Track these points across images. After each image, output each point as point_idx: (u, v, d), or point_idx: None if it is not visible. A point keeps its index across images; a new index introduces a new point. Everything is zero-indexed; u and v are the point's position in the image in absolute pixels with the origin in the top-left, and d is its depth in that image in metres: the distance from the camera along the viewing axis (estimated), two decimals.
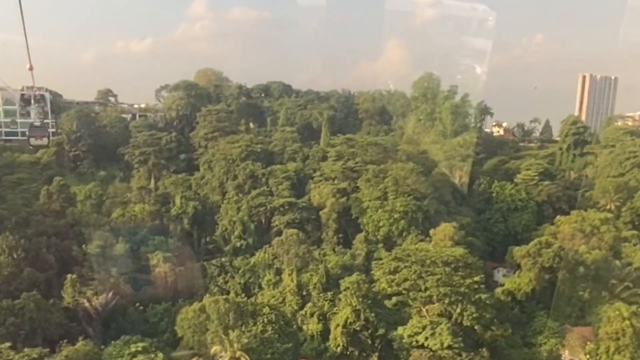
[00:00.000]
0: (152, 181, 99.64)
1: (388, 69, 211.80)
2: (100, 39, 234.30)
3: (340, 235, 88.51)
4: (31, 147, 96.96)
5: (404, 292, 73.46)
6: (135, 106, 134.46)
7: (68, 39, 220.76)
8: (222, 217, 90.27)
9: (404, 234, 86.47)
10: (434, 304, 71.16)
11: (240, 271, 78.94)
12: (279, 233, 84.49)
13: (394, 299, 73.40)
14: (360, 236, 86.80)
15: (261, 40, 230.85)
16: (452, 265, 73.20)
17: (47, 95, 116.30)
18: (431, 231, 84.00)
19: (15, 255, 72.39)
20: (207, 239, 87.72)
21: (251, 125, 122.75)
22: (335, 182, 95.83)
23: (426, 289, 71.53)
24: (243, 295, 75.40)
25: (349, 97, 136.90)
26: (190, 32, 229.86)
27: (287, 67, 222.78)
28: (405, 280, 73.19)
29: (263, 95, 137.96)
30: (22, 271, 71.47)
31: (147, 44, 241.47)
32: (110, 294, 71.16)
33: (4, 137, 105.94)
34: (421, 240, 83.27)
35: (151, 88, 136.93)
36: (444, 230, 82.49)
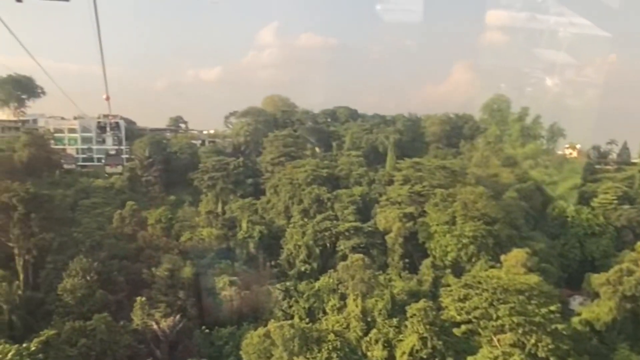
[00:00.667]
0: (220, 205, 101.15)
1: (456, 91, 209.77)
2: (172, 68, 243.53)
3: (407, 261, 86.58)
4: (106, 174, 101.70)
5: (474, 320, 70.55)
6: (205, 132, 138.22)
7: (142, 68, 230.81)
8: (287, 241, 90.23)
9: (473, 260, 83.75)
10: (505, 333, 67.85)
11: (304, 296, 78.16)
12: (344, 257, 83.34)
13: (463, 327, 70.47)
14: (427, 261, 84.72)
15: (328, 66, 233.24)
16: (526, 294, 69.99)
17: (122, 123, 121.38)
18: (502, 257, 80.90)
19: (88, 278, 74.20)
20: (272, 262, 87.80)
21: (317, 149, 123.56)
22: (402, 206, 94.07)
23: (498, 317, 68.35)
24: (307, 320, 74.45)
25: (416, 121, 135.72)
26: (259, 60, 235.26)
27: (354, 92, 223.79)
28: (476, 308, 70.35)
29: (329, 120, 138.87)
30: (94, 293, 73.13)
31: (217, 72, 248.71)
32: (178, 317, 71.81)
33: (81, 163, 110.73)
34: (491, 267, 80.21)
35: (220, 115, 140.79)
36: (516, 256, 79.28)
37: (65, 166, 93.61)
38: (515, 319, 67.10)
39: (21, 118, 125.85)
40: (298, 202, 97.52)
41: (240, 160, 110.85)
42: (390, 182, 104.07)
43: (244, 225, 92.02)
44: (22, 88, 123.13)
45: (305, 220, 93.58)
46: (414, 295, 75.80)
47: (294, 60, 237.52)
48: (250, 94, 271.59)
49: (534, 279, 72.84)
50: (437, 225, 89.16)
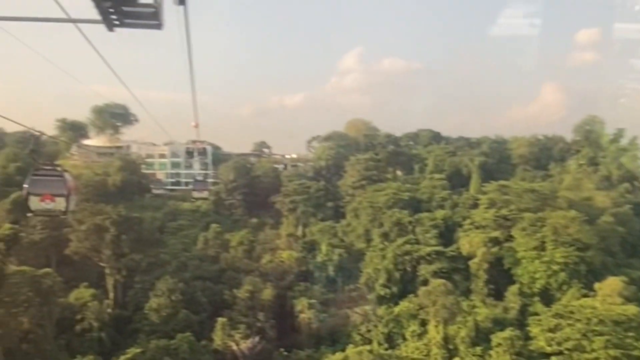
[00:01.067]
0: (300, 228, 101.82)
1: (544, 112, 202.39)
2: (257, 95, 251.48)
3: (491, 287, 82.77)
4: (193, 199, 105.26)
5: (565, 352, 66.57)
6: (287, 157, 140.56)
7: (229, 95, 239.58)
8: (367, 265, 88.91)
9: (563, 288, 79.06)
10: None
11: (383, 320, 76.52)
12: (425, 282, 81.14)
13: (554, 358, 66.72)
14: (513, 288, 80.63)
15: (411, 89, 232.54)
16: (624, 325, 65.61)
17: (209, 149, 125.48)
18: (596, 285, 75.90)
19: (173, 298, 76.32)
20: (351, 286, 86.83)
21: (399, 173, 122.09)
22: (487, 230, 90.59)
23: (592, 350, 64.47)
24: (386, 345, 72.87)
25: (502, 143, 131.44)
26: (341, 85, 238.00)
27: (437, 114, 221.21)
28: (568, 339, 66.61)
29: (412, 142, 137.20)
30: (178, 313, 75.07)
31: (301, 97, 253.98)
32: (257, 338, 72.33)
33: (169, 187, 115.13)
34: (584, 295, 75.47)
35: (303, 139, 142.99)
36: (612, 284, 74.21)
37: (154, 191, 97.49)
38: (611, 352, 63.35)
39: (116, 144, 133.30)
40: (378, 226, 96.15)
41: (322, 184, 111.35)
42: (475, 206, 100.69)
43: (324, 248, 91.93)
44: (117, 116, 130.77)
45: (386, 243, 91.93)
46: (499, 324, 72.58)
47: (377, 85, 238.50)
48: (333, 118, 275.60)
49: (632, 309, 68.15)
50: (525, 250, 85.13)
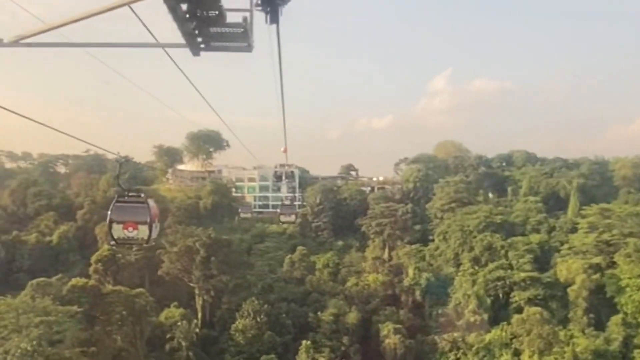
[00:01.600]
0: (387, 251, 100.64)
1: None
2: (345, 118, 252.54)
3: (591, 316, 78.07)
4: (281, 223, 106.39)
5: None
6: (374, 179, 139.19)
7: (317, 119, 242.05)
8: (456, 290, 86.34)
9: None
10: None
11: (473, 349, 73.74)
12: (519, 310, 77.72)
13: None
14: (616, 318, 75.61)
15: (503, 110, 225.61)
16: None
17: (296, 172, 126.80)
18: None
19: (258, 319, 77.06)
20: (439, 311, 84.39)
21: (490, 195, 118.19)
22: (587, 256, 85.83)
23: None
24: None
25: (603, 164, 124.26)
26: (431, 107, 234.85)
27: (532, 135, 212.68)
28: None
29: (504, 164, 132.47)
30: (263, 334, 75.71)
31: (389, 120, 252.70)
32: None
33: (257, 210, 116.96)
34: None
35: (390, 162, 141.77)
36: None
37: (242, 215, 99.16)
38: None
39: (208, 169, 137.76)
40: (468, 250, 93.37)
41: (409, 207, 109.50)
42: (573, 230, 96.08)
43: (411, 271, 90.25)
44: (210, 141, 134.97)
45: (476, 268, 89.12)
46: (601, 356, 68.65)
47: (468, 106, 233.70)
48: (421, 140, 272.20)
49: None
50: (630, 278, 79.93)
